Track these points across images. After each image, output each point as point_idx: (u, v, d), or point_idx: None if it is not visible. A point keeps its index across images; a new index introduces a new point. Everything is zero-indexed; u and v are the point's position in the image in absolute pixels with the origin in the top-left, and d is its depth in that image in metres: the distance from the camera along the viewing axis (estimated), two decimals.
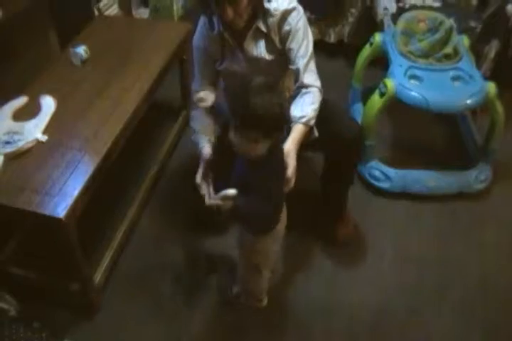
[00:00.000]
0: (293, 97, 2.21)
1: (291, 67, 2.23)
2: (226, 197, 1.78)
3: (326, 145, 2.30)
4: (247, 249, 2.11)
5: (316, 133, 2.19)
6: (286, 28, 2.17)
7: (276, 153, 1.85)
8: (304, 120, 2.09)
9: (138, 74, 2.56)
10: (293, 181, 1.95)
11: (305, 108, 2.12)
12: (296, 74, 2.21)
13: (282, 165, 1.90)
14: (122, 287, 2.43)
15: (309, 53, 2.21)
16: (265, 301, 2.35)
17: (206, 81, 2.37)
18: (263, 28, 2.17)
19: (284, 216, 2.04)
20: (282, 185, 1.91)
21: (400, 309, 2.37)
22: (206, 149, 2.20)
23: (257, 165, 1.80)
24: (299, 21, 2.18)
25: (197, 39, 2.31)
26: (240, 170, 1.90)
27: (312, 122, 2.13)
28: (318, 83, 2.22)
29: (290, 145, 2.01)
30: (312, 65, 2.23)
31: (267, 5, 2.14)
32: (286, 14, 2.16)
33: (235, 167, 1.92)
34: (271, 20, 2.16)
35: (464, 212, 2.81)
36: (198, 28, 2.29)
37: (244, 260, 2.19)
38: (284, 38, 2.19)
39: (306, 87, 2.19)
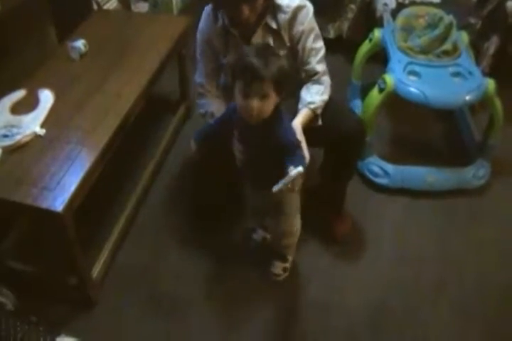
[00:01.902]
0: (305, 83, 2.27)
1: (304, 67, 2.25)
2: (296, 177, 1.77)
3: (328, 140, 2.30)
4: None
5: (320, 122, 2.24)
6: (299, 27, 2.18)
7: (282, 115, 1.91)
8: (312, 106, 2.17)
9: (136, 69, 2.56)
10: (305, 150, 2.00)
11: (315, 96, 2.20)
12: (310, 72, 2.26)
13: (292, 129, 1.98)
14: (120, 281, 2.43)
15: (321, 52, 2.27)
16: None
17: (209, 73, 2.36)
18: (273, 25, 2.17)
19: None
20: None
21: (398, 307, 2.37)
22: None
23: (271, 126, 1.87)
24: (310, 20, 2.20)
25: (201, 31, 2.30)
26: (253, 142, 1.96)
27: (319, 111, 2.20)
28: (329, 80, 2.30)
29: (296, 123, 2.10)
30: (324, 63, 2.29)
31: (278, 0, 2.15)
32: (297, 11, 2.17)
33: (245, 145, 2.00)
34: (282, 16, 2.16)
35: (462, 208, 2.81)
36: (202, 19, 2.28)
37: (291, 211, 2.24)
38: (296, 37, 2.20)
39: (319, 79, 2.26)
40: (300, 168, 1.76)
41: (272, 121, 1.87)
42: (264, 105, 1.79)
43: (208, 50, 2.31)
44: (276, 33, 2.20)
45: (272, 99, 1.80)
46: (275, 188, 1.80)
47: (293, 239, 2.35)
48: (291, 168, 1.76)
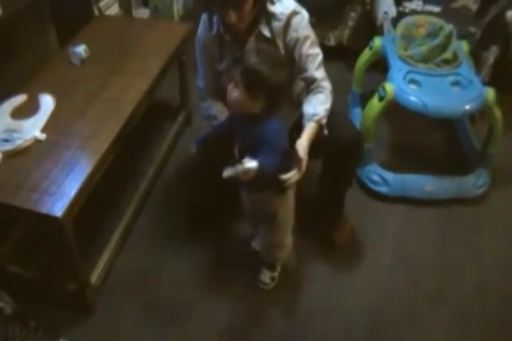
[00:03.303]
0: (306, 95, 2.24)
1: (302, 75, 2.23)
2: (248, 170, 1.78)
3: (325, 150, 2.29)
4: (267, 209, 2.17)
5: (326, 132, 2.21)
6: (293, 34, 2.17)
7: (270, 117, 1.90)
8: (316, 118, 2.13)
9: (137, 74, 2.55)
10: (303, 166, 2.00)
11: (318, 106, 2.16)
12: (309, 80, 2.23)
13: (281, 136, 1.94)
14: (119, 287, 2.42)
15: (319, 58, 2.24)
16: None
17: (209, 78, 2.38)
18: (267, 33, 2.16)
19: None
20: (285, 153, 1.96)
21: (398, 313, 2.37)
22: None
23: (256, 122, 1.89)
24: (305, 27, 2.18)
25: (198, 37, 2.31)
26: (242, 134, 1.98)
27: (324, 121, 2.17)
28: (330, 86, 2.26)
29: (303, 140, 2.06)
30: (322, 69, 2.25)
31: (271, 8, 2.13)
32: (291, 18, 2.15)
33: (238, 134, 2.01)
34: (276, 24, 2.14)
35: (462, 217, 2.81)
36: (200, 26, 2.29)
37: (267, 224, 2.24)
38: (291, 44, 2.19)
39: (319, 87, 2.22)
40: (255, 164, 1.77)
41: (260, 119, 1.88)
42: (252, 102, 1.84)
43: (206, 56, 2.33)
44: (270, 41, 2.18)
45: (260, 99, 1.83)
46: (225, 173, 1.82)
47: (285, 253, 2.36)
48: (248, 159, 1.78)
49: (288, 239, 2.29)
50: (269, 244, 2.32)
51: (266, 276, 2.44)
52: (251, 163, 1.77)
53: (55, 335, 2.10)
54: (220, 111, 2.31)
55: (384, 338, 2.29)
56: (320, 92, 2.22)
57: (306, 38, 2.19)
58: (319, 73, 2.23)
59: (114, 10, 3.45)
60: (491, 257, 2.61)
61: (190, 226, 2.71)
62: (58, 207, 1.88)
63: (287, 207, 2.18)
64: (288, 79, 1.92)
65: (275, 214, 2.16)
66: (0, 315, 2.08)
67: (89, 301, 2.28)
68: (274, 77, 1.80)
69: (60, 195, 1.93)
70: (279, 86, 1.84)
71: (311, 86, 2.24)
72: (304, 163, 2.02)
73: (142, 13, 3.91)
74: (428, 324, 2.33)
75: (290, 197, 2.15)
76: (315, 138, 2.12)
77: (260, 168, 1.78)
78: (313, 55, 2.22)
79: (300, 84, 2.36)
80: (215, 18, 2.19)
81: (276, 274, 2.45)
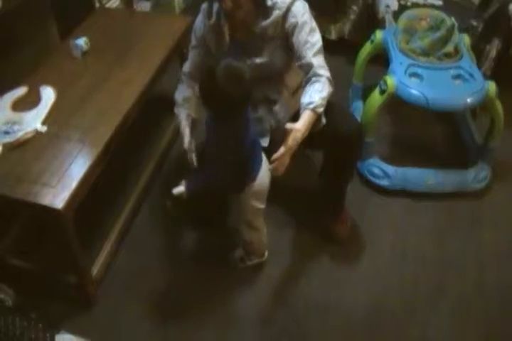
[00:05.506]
0: (303, 87, 2.18)
1: (300, 62, 2.17)
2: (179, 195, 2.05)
3: (326, 143, 2.29)
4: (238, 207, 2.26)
5: (324, 121, 2.16)
6: (292, 20, 2.13)
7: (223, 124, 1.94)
8: (311, 106, 2.05)
9: (138, 67, 2.55)
10: (284, 162, 1.99)
11: (313, 95, 2.09)
12: (306, 67, 2.16)
13: (231, 137, 1.96)
14: (120, 280, 2.43)
15: (317, 45, 2.17)
16: (266, 254, 2.51)
17: (193, 64, 2.38)
18: (265, 24, 2.14)
19: (264, 178, 2.14)
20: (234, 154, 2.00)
21: (397, 307, 2.37)
22: (183, 123, 2.26)
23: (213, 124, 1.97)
24: (304, 13, 2.15)
25: (197, 24, 2.31)
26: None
27: (320, 110, 2.08)
28: (327, 74, 2.17)
29: (298, 126, 2.01)
30: (321, 57, 2.18)
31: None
32: (291, 5, 2.13)
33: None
34: (277, 12, 2.12)
35: (462, 210, 2.81)
36: (198, 16, 2.30)
37: (240, 220, 2.33)
38: (289, 30, 2.15)
39: (316, 75, 2.14)
40: (181, 189, 2.04)
41: (214, 124, 1.95)
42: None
43: (199, 46, 2.33)
44: (264, 34, 2.17)
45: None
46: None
47: (249, 247, 2.44)
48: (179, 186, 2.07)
49: (246, 234, 2.36)
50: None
51: (237, 253, 2.51)
52: (176, 190, 2.05)
53: (56, 327, 2.09)
54: (183, 97, 2.33)
55: (383, 333, 2.28)
56: (316, 81, 2.14)
57: (305, 23, 2.14)
58: (316, 60, 2.15)
59: (114, 2, 3.46)
60: (492, 252, 2.61)
61: (191, 221, 2.72)
62: (59, 199, 1.89)
63: (241, 208, 2.23)
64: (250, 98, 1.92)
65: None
66: (1, 306, 2.09)
67: (89, 294, 2.29)
68: (230, 91, 1.81)
69: (61, 188, 1.93)
70: (229, 101, 1.85)
71: (307, 74, 2.17)
72: (283, 161, 1.99)
73: (143, 5, 3.91)
74: (427, 319, 2.33)
75: (247, 203, 2.18)
76: (312, 129, 2.07)
77: (190, 191, 2.04)
78: (311, 42, 2.15)
79: (296, 80, 2.34)
80: (215, 8, 2.19)
81: (246, 259, 2.51)
